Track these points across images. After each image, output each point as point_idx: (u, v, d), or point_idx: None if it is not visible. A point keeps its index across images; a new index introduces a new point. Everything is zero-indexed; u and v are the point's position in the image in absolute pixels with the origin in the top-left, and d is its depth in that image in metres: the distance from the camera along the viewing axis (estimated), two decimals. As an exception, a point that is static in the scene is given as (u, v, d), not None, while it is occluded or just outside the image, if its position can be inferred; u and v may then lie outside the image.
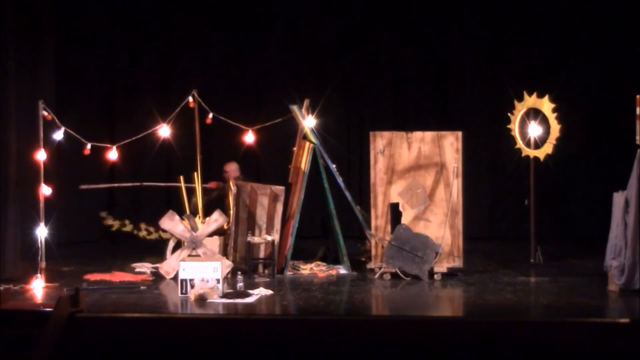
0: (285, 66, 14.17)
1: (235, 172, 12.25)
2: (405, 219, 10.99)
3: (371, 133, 11.17)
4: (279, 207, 11.28)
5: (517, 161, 12.36)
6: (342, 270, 11.27)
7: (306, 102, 11.68)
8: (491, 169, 14.19)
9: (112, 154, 11.28)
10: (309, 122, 11.47)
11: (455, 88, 14.20)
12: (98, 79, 14.13)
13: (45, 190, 10.61)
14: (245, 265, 11.01)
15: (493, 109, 13.70)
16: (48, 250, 10.63)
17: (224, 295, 9.70)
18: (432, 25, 14.17)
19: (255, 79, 14.31)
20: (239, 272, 10.36)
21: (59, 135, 10.89)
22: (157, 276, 10.92)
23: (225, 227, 11.32)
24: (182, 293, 9.77)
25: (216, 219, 10.99)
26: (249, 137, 11.92)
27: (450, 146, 11.01)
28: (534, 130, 11.72)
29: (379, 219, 11.05)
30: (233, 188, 11.32)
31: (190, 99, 11.53)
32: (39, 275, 10.37)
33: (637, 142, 9.67)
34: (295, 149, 11.81)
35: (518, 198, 12.76)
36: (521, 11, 13.97)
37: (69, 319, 8.50)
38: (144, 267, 11.29)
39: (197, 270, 9.79)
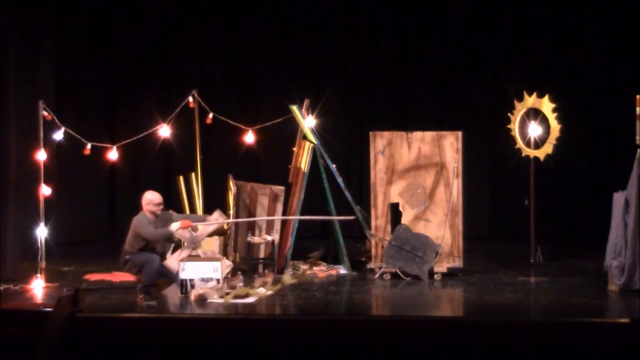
0: (285, 66, 14.17)
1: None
2: (405, 219, 10.98)
3: (371, 133, 11.17)
4: (279, 207, 11.28)
5: (517, 161, 12.35)
6: (342, 270, 11.27)
7: (306, 102, 11.68)
8: (491, 169, 14.18)
9: (112, 154, 11.27)
10: (309, 122, 11.47)
11: (455, 88, 14.20)
12: (98, 78, 14.13)
13: (45, 190, 10.61)
14: (245, 265, 11.00)
15: (493, 109, 13.69)
16: (48, 250, 10.63)
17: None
18: (432, 25, 14.16)
19: (255, 79, 14.31)
20: (239, 272, 10.36)
21: (59, 135, 10.89)
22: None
23: (225, 227, 11.31)
24: (182, 293, 9.77)
25: (216, 219, 10.98)
26: (249, 137, 11.91)
27: (450, 146, 11.01)
28: (534, 130, 11.72)
29: (379, 219, 11.05)
30: (233, 188, 11.31)
31: (190, 99, 11.54)
32: (39, 275, 10.37)
33: (637, 142, 9.67)
34: (295, 149, 11.81)
35: (518, 198, 12.76)
36: (521, 11, 13.97)
37: (69, 319, 8.50)
38: (144, 267, 11.27)
39: (197, 270, 9.79)
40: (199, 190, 11.69)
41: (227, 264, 10.54)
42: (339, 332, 8.54)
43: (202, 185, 11.75)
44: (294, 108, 11.52)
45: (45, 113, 10.60)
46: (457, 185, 10.98)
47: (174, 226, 10.19)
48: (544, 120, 11.61)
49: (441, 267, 10.86)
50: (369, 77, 14.35)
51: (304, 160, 11.32)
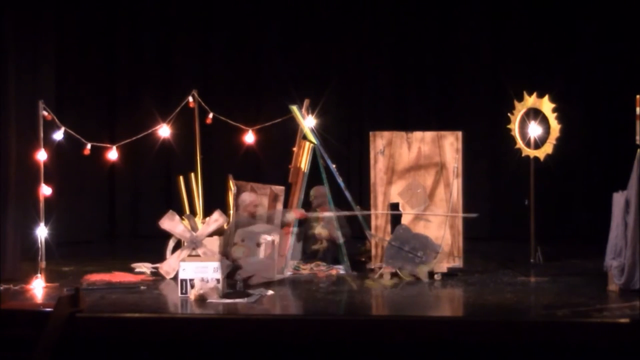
0: (285, 66, 14.17)
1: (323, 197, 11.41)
2: (405, 219, 10.98)
3: (371, 133, 11.17)
4: (279, 207, 11.27)
5: (517, 161, 12.34)
6: (342, 271, 11.26)
7: (306, 102, 11.68)
8: (491, 169, 14.17)
9: (112, 154, 11.27)
10: (309, 122, 11.46)
11: (455, 88, 14.19)
12: (98, 79, 14.13)
13: (45, 190, 10.61)
14: (245, 265, 11.00)
15: (493, 109, 13.69)
16: (48, 250, 10.63)
17: (224, 295, 9.70)
18: (433, 25, 14.17)
19: (255, 79, 14.31)
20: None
21: (59, 135, 10.88)
22: (157, 276, 10.92)
23: (225, 227, 11.31)
24: (182, 293, 9.77)
25: (216, 219, 10.97)
26: (249, 137, 11.91)
27: (450, 146, 11.01)
28: (534, 130, 11.72)
29: (379, 219, 11.05)
30: (233, 188, 11.31)
31: (190, 99, 11.53)
32: (39, 275, 10.37)
33: (637, 142, 9.67)
34: (295, 149, 11.81)
35: (518, 198, 12.75)
36: (521, 11, 13.97)
37: (69, 319, 8.50)
38: (144, 267, 11.28)
39: (197, 270, 9.79)
40: (199, 190, 11.68)
41: (227, 264, 10.54)
42: (339, 332, 8.53)
43: (202, 185, 11.74)
44: (294, 108, 11.51)
45: (45, 113, 10.59)
46: (457, 185, 10.97)
47: (289, 216, 10.24)
48: (544, 120, 11.61)
49: (441, 267, 10.86)
50: (369, 77, 14.34)
51: (304, 160, 11.32)
